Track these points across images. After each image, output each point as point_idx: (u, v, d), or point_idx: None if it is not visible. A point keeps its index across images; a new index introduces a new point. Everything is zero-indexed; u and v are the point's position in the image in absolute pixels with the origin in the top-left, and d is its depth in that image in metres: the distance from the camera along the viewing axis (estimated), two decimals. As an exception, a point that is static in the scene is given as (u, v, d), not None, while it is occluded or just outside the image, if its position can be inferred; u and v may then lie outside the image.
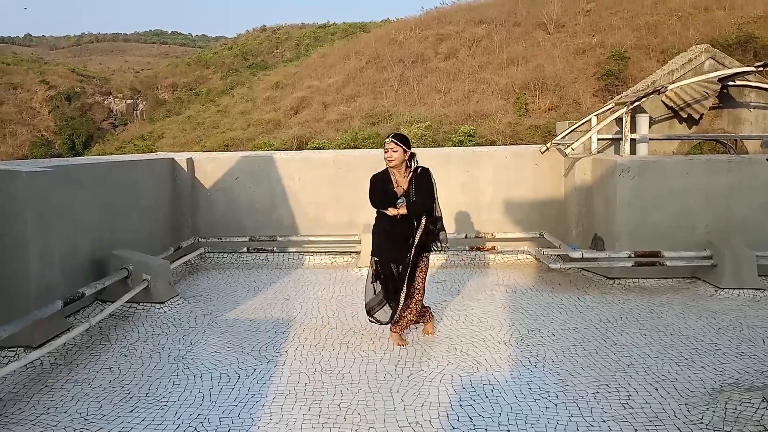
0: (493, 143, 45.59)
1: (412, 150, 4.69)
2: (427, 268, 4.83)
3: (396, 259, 4.66)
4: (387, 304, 4.74)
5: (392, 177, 4.69)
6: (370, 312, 4.82)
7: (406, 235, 4.61)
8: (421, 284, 4.76)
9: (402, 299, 4.67)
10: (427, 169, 4.71)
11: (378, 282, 4.75)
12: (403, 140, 4.62)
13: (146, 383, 4.15)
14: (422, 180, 4.62)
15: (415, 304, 4.76)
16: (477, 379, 4.12)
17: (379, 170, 4.80)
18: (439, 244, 4.81)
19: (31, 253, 4.53)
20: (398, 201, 4.59)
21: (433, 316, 5.11)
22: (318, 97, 70.77)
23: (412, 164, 4.66)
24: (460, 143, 42.75)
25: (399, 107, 62.67)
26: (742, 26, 53.14)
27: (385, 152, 4.60)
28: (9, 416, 3.70)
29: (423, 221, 4.61)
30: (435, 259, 7.64)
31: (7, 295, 4.51)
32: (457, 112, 57.76)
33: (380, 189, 4.69)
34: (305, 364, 4.44)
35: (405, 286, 4.65)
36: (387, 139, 4.62)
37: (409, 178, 4.63)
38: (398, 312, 4.72)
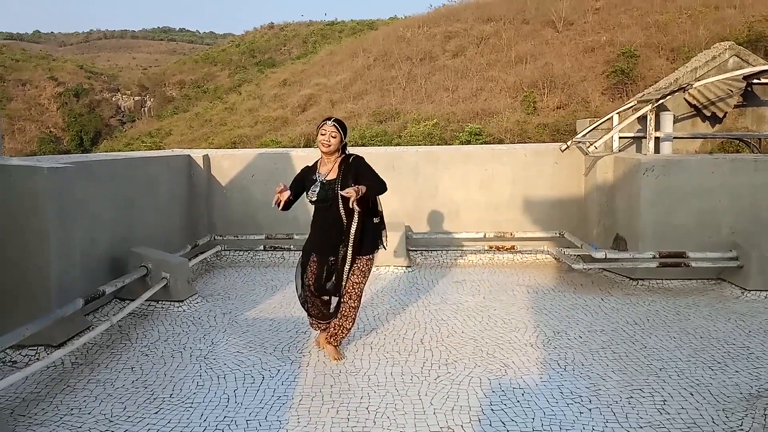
0: (500, 141, 45.48)
1: (346, 141, 4.35)
2: (367, 273, 4.37)
3: (329, 252, 4.30)
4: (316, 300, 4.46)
5: (319, 167, 4.33)
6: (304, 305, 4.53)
7: (339, 229, 4.23)
8: (354, 289, 4.32)
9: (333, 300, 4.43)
10: (361, 156, 4.34)
11: (305, 276, 4.43)
12: (343, 127, 4.28)
13: (170, 384, 4.08)
14: (359, 164, 4.23)
15: (348, 309, 4.35)
16: (506, 383, 4.04)
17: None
18: (381, 243, 4.48)
19: (52, 251, 4.46)
20: (312, 188, 4.24)
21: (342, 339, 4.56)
22: (325, 95, 70.73)
23: (344, 153, 4.33)
24: (467, 142, 42.62)
25: (406, 105, 62.58)
26: (753, 25, 52.77)
27: (322, 135, 4.19)
28: (32, 417, 3.64)
29: (356, 215, 4.18)
30: (453, 257, 7.57)
31: (29, 293, 4.45)
32: (464, 110, 57.63)
33: (300, 177, 4.38)
34: (329, 366, 4.36)
35: (338, 285, 4.33)
36: (328, 122, 4.22)
37: (338, 165, 4.27)
38: (329, 313, 4.47)
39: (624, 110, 7.64)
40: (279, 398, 3.85)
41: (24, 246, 4.42)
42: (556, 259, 7.38)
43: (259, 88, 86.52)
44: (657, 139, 7.27)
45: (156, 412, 3.68)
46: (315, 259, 4.38)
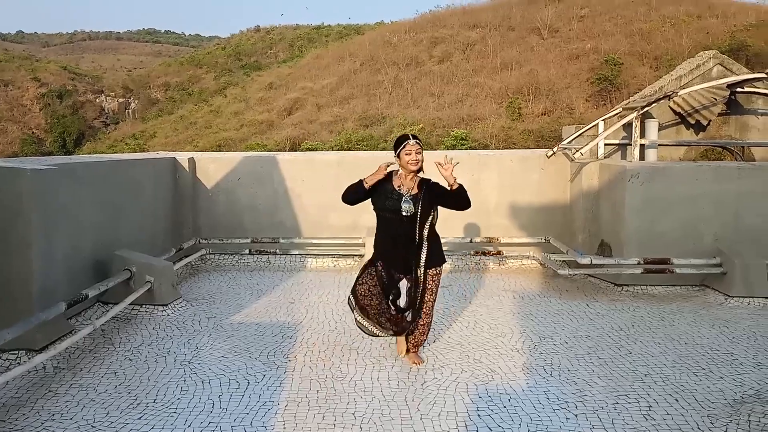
0: (486, 147, 45.66)
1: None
2: (436, 289, 4.40)
3: (396, 266, 4.30)
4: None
5: (396, 182, 4.31)
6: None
7: (409, 245, 4.24)
8: (427, 306, 4.36)
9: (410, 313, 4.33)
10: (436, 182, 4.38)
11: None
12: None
13: (153, 389, 4.03)
14: (439, 186, 4.28)
15: (422, 327, 4.41)
16: (493, 388, 4.03)
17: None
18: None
19: (34, 254, 4.40)
20: (404, 200, 4.18)
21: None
22: (311, 99, 70.68)
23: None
24: (453, 147, 42.76)
25: (392, 110, 62.66)
26: (735, 34, 53.60)
27: (408, 155, 4.16)
28: (12, 422, 3.57)
29: (426, 231, 4.24)
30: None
31: (10, 296, 4.38)
32: (450, 116, 57.82)
33: (378, 186, 4.29)
34: (315, 371, 4.33)
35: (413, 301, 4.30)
36: (411, 141, 4.18)
37: (417, 184, 4.28)
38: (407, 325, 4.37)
39: (609, 117, 7.70)
40: (264, 404, 3.81)
41: (6, 248, 4.36)
42: (541, 264, 7.40)
43: (244, 92, 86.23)
44: (642, 146, 7.33)
45: (139, 418, 3.63)
46: (383, 270, 4.33)
